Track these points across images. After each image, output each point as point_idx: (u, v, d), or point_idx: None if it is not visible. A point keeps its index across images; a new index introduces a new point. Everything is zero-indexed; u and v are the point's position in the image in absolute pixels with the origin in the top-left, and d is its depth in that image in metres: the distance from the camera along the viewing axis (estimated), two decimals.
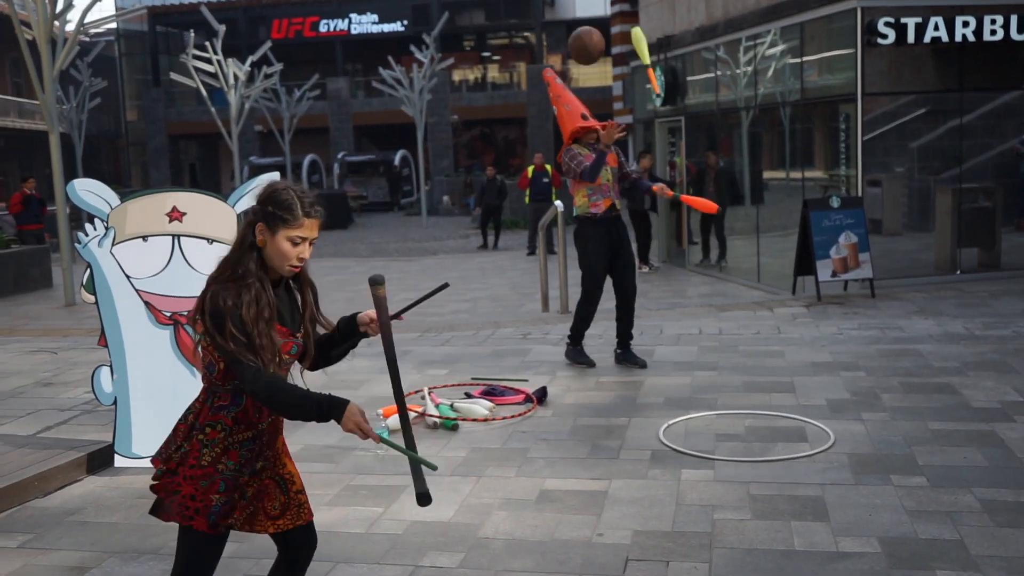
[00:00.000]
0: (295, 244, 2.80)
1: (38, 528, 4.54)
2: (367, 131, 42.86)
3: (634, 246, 8.20)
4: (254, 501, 2.90)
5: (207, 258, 5.16)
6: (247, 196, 5.19)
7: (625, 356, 7.47)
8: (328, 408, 2.73)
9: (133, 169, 46.32)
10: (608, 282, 7.49)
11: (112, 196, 5.15)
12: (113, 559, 4.15)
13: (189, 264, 5.14)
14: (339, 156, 37.71)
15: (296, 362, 2.95)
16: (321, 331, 3.02)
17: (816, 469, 4.91)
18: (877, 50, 10.72)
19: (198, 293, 5.22)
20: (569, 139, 7.34)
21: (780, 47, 12.28)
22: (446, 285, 3.30)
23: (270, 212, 2.77)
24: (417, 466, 2.88)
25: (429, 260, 18.86)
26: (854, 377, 6.71)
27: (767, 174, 13.88)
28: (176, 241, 5.15)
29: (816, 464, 4.98)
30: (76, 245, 5.15)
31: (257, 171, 32.72)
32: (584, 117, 7.33)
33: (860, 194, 10.71)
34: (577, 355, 7.52)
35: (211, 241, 5.16)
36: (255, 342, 2.69)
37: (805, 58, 11.82)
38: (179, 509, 2.77)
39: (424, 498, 2.88)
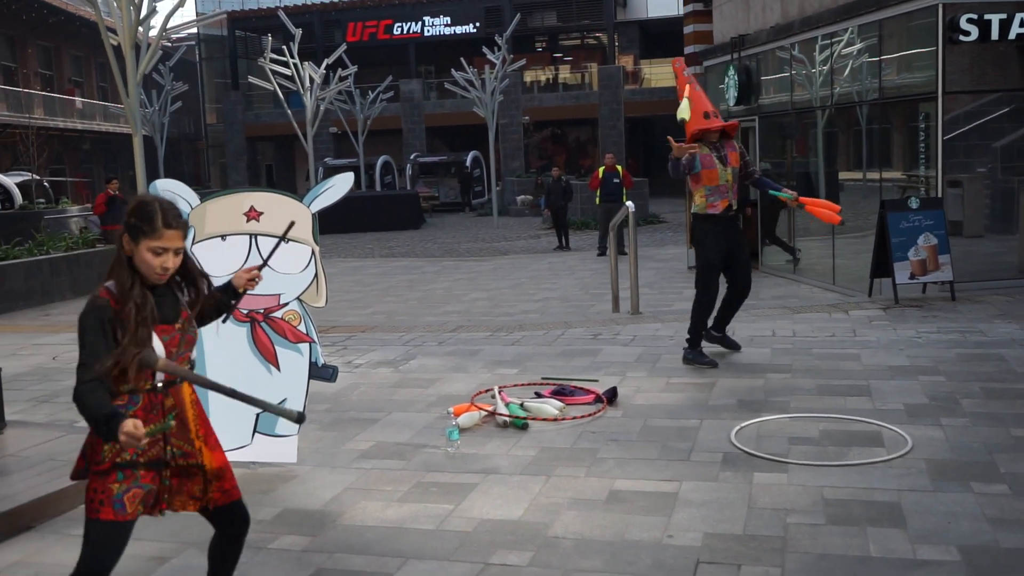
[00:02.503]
0: (157, 254, 2.95)
1: None
2: (439, 132, 43.18)
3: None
4: (175, 485, 3.12)
5: (284, 257, 5.25)
6: (322, 196, 5.29)
7: (721, 338, 7.61)
8: (105, 430, 2.80)
9: (212, 170, 47.39)
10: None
11: (192, 196, 5.27)
12: (191, 550, 4.26)
13: (265, 262, 5.23)
14: (411, 157, 38.05)
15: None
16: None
17: (893, 475, 4.81)
18: (959, 47, 10.44)
19: (274, 291, 5.34)
20: (690, 138, 7.38)
21: (857, 45, 12.05)
22: (292, 224, 3.88)
23: (133, 224, 2.96)
24: (277, 410, 3.10)
25: (500, 260, 18.92)
26: (933, 382, 6.56)
27: (843, 175, 13.63)
28: (253, 240, 5.25)
29: (893, 470, 4.88)
30: None
31: (332, 172, 33.22)
32: (706, 116, 7.34)
33: (940, 195, 10.45)
34: (697, 356, 7.43)
35: (287, 240, 5.24)
36: (94, 352, 2.86)
37: (883, 56, 11.58)
38: (86, 502, 2.99)
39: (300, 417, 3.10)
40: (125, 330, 2.90)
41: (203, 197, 5.36)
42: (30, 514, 4.56)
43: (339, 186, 5.27)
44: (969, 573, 3.70)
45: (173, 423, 3.06)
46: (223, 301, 3.43)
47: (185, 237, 3.03)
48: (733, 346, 7.66)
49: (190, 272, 3.14)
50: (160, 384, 3.04)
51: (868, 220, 11.49)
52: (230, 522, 3.26)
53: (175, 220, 2.98)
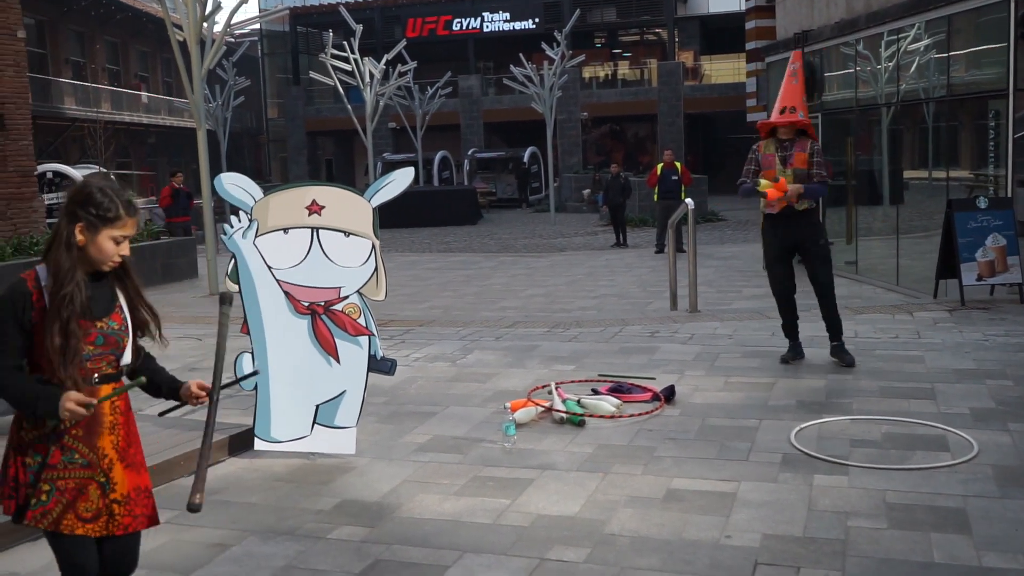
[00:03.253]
0: (117, 242, 2.87)
1: (183, 505, 4.75)
2: (497, 128, 43.25)
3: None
4: (67, 496, 2.85)
5: (344, 250, 5.32)
6: (383, 190, 5.33)
7: (833, 351, 7.35)
8: (43, 403, 2.74)
9: (273, 164, 48.04)
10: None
11: (256, 190, 5.35)
12: (252, 538, 4.33)
13: (327, 256, 5.30)
14: (469, 152, 38.17)
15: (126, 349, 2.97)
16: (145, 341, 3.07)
17: (958, 480, 4.71)
18: None
19: (335, 284, 5.41)
20: (762, 132, 7.44)
21: (924, 41, 11.80)
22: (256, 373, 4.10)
23: (92, 213, 2.83)
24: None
25: (557, 256, 18.90)
26: (1001, 386, 6.41)
27: (907, 173, 13.37)
28: (315, 234, 5.31)
29: (958, 475, 4.78)
30: (222, 236, 5.37)
31: (390, 167, 33.50)
32: (782, 111, 7.29)
33: (1009, 195, 10.19)
34: (788, 351, 7.47)
35: (348, 234, 5.30)
36: (5, 338, 2.77)
37: (952, 52, 11.32)
38: (6, 500, 2.88)
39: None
40: (47, 319, 2.77)
41: (266, 191, 5.44)
42: None
43: (400, 180, 5.31)
44: None
45: (144, 380, 2.93)
46: (162, 388, 3.11)
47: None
48: (844, 360, 7.19)
49: (127, 265, 2.98)
50: (96, 379, 2.89)
51: (933, 220, 11.26)
52: (114, 561, 3.00)
53: (131, 207, 2.90)
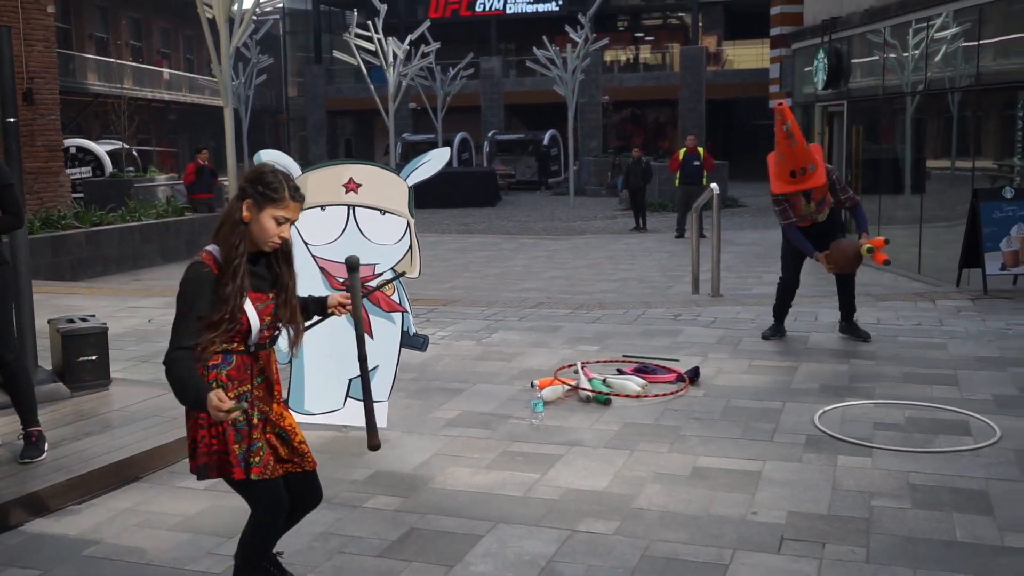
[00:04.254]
0: (279, 223, 3.08)
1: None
2: (518, 110, 43.25)
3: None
4: (269, 447, 3.19)
5: (380, 228, 5.41)
6: (419, 170, 5.41)
7: (847, 328, 7.66)
8: (194, 401, 2.94)
9: (292, 143, 48.18)
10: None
11: (294, 167, 5.44)
12: None
13: (363, 233, 5.40)
14: (489, 134, 38.19)
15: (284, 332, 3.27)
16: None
17: (981, 464, 4.79)
18: None
19: (370, 261, 5.50)
20: (774, 188, 7.25)
21: (952, 30, 11.78)
22: (402, 274, 4.18)
23: (259, 191, 3.06)
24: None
25: (576, 240, 18.98)
26: (1023, 373, 6.47)
27: (931, 162, 13.36)
28: (351, 211, 5.40)
29: (980, 459, 4.86)
30: None
31: (410, 147, 33.60)
32: (793, 175, 7.03)
33: None
34: (770, 330, 7.80)
35: (384, 212, 5.40)
36: (190, 320, 2.98)
37: (981, 41, 11.31)
38: (221, 466, 3.13)
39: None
40: (223, 293, 2.99)
41: (303, 168, 5.53)
42: (139, 465, 4.80)
43: (435, 161, 5.39)
44: None
45: (246, 406, 3.11)
46: (310, 307, 3.49)
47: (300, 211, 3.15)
48: (860, 335, 7.55)
49: (288, 250, 3.21)
50: (252, 347, 3.14)
51: (956, 210, 11.28)
52: (303, 493, 3.33)
53: (298, 193, 3.12)
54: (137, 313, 9.36)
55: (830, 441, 5.19)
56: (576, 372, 6.44)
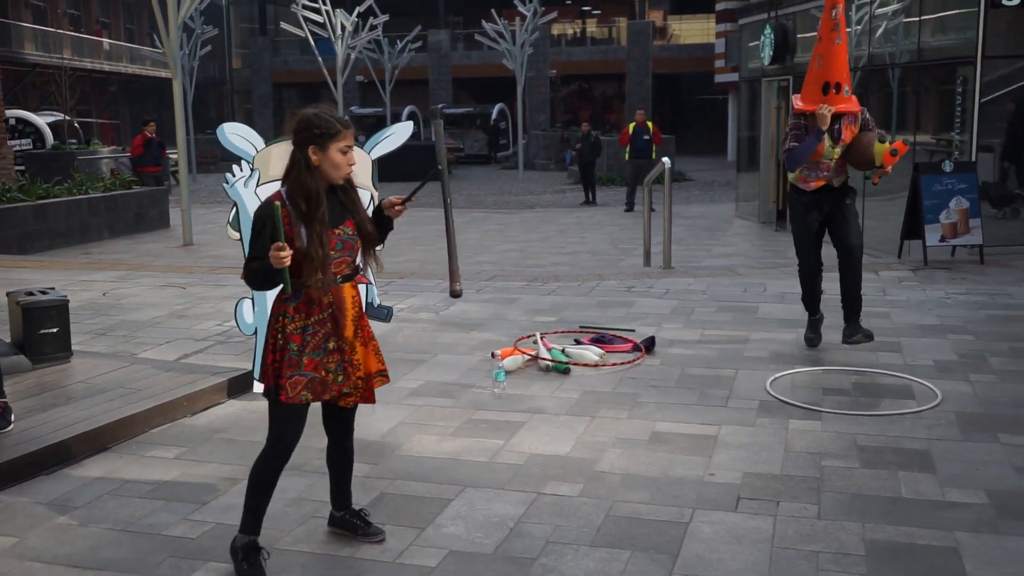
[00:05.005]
0: (344, 152, 3.36)
1: (189, 443, 4.96)
2: (466, 84, 43.14)
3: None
4: (320, 372, 3.42)
5: None
6: (382, 143, 5.49)
7: (846, 329, 6.43)
8: (264, 274, 3.32)
9: (237, 116, 47.50)
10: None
11: (258, 139, 5.49)
12: None
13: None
14: (437, 107, 38.06)
15: (360, 250, 3.53)
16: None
17: (923, 425, 5.03)
18: (1000, 11, 10.47)
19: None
20: (797, 105, 6.36)
21: (893, 6, 12.06)
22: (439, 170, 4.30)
23: (317, 134, 3.31)
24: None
25: (527, 213, 19.11)
26: (961, 340, 6.76)
27: None
28: None
29: (923, 420, 5.10)
30: (224, 185, 5.51)
31: (358, 121, 33.34)
32: (825, 90, 6.07)
33: (973, 159, 10.54)
34: (809, 328, 6.74)
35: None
36: (262, 244, 3.29)
37: (922, 17, 11.60)
38: (266, 377, 3.45)
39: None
40: (305, 232, 3.29)
41: (267, 141, 5.57)
42: (108, 436, 4.84)
43: (399, 134, 5.48)
44: (996, 514, 3.93)
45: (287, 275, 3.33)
46: (379, 223, 3.64)
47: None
48: (858, 335, 6.38)
49: (351, 179, 3.48)
50: (339, 279, 3.44)
51: (896, 183, 11.58)
52: (349, 422, 3.67)
53: (346, 120, 3.40)
54: (90, 287, 9.29)
55: (781, 406, 5.40)
56: (535, 342, 6.58)
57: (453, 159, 33.00)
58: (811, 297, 6.75)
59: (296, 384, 3.38)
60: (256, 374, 5.65)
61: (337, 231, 3.39)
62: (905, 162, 11.39)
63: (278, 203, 3.31)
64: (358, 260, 3.54)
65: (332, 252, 3.37)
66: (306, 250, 3.31)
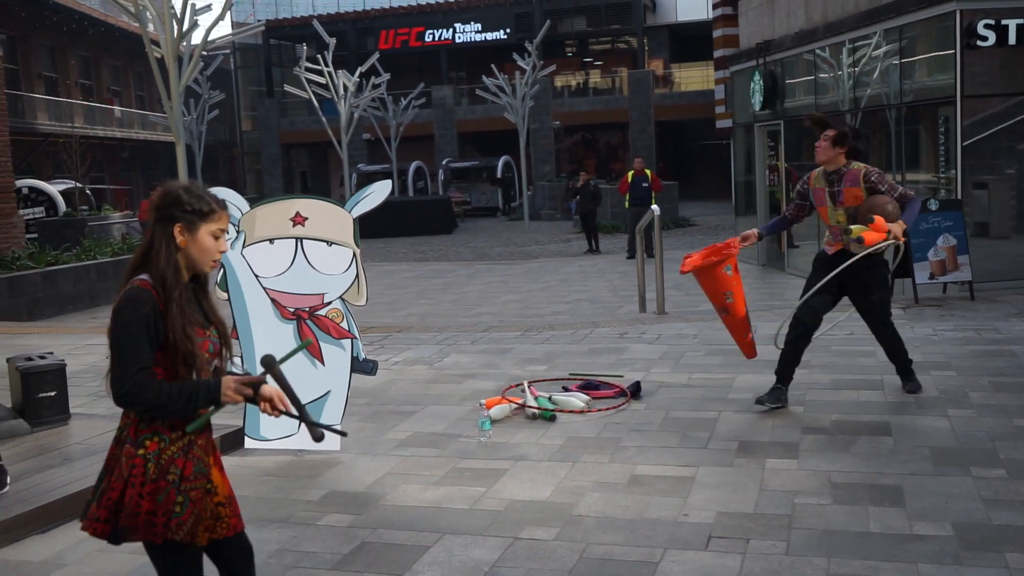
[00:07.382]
0: (216, 237, 2.86)
1: None
2: (471, 138, 43.67)
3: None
4: (197, 507, 2.80)
5: (327, 258, 5.67)
6: (363, 202, 5.68)
7: (909, 379, 6.46)
8: (204, 393, 2.71)
9: (248, 177, 48.19)
10: None
11: (243, 203, 5.69)
12: (248, 526, 4.64)
13: (311, 264, 5.65)
14: (443, 162, 38.54)
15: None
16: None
17: (898, 460, 5.12)
18: (978, 52, 10.69)
19: (318, 290, 5.73)
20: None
21: (881, 50, 12.30)
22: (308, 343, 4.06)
23: (187, 211, 2.79)
24: (311, 424, 2.83)
25: (531, 264, 19.30)
26: (944, 376, 6.85)
27: None
28: (299, 244, 5.66)
29: (898, 456, 5.19)
30: None
31: (365, 178, 33.83)
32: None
33: (959, 197, 10.68)
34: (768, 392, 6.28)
35: (330, 243, 5.65)
36: (138, 348, 2.68)
37: (904, 60, 11.83)
38: (146, 528, 2.72)
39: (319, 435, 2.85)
40: (169, 327, 2.72)
41: (252, 204, 5.78)
42: None
43: (379, 192, 5.67)
44: (960, 546, 4.01)
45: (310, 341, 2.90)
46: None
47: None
48: (907, 385, 6.41)
49: (206, 279, 2.96)
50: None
51: None
52: (239, 549, 2.99)
53: (221, 202, 2.90)
54: (95, 350, 9.48)
55: (761, 445, 5.50)
56: (523, 391, 6.70)
57: (461, 212, 33.39)
58: (786, 361, 6.25)
59: (183, 524, 2.76)
60: (248, 430, 5.79)
61: (208, 331, 2.86)
62: None
63: (148, 291, 2.73)
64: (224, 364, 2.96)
65: (205, 354, 2.82)
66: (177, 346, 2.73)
